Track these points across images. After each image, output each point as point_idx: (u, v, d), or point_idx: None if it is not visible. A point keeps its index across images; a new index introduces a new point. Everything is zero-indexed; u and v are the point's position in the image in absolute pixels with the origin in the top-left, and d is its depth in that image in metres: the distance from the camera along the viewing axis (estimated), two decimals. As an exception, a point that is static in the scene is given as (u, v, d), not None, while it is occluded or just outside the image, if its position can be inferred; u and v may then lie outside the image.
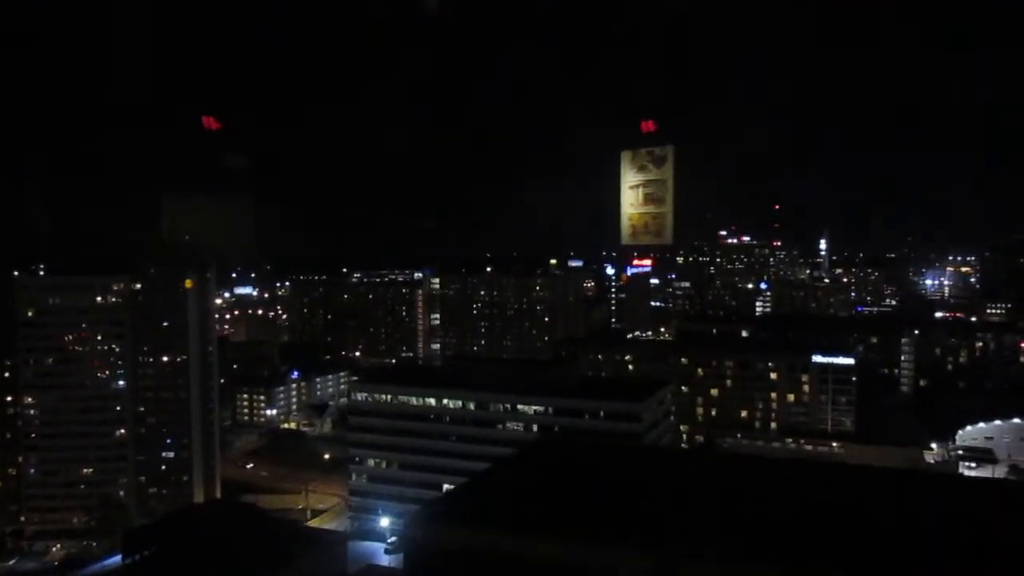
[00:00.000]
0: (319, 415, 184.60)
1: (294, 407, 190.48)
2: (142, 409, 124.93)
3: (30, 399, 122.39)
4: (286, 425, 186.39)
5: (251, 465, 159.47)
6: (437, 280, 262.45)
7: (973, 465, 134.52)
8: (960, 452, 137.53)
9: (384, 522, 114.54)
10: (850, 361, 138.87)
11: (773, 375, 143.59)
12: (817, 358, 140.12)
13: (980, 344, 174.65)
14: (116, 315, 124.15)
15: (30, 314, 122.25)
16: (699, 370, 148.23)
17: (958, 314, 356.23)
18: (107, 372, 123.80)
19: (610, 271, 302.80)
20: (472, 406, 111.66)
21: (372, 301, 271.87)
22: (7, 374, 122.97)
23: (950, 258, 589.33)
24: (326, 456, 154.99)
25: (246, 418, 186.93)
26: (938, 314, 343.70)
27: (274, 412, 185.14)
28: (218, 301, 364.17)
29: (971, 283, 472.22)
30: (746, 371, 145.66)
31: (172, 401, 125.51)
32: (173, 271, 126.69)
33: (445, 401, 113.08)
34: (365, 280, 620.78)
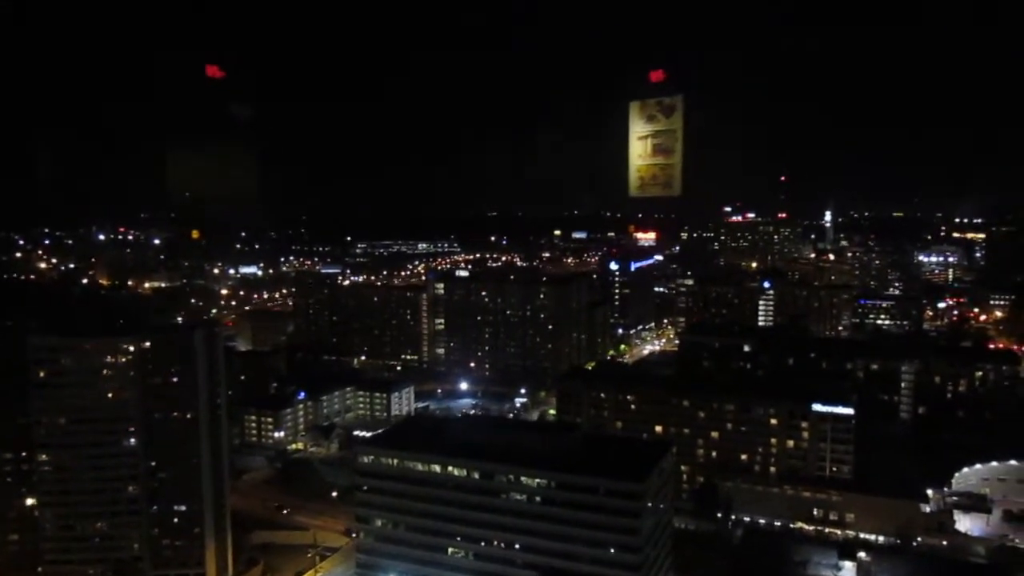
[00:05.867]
0: (326, 437, 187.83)
1: (301, 428, 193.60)
2: (154, 464, 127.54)
3: (45, 456, 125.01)
4: (294, 446, 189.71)
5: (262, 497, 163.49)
6: (441, 285, 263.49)
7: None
8: (955, 499, 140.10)
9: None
10: (849, 411, 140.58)
11: (773, 421, 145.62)
12: (817, 407, 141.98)
13: (980, 373, 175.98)
14: (127, 374, 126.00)
15: (42, 375, 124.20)
16: (700, 412, 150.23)
17: (961, 299, 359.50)
18: (119, 430, 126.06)
19: (614, 266, 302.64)
20: (476, 475, 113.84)
21: (377, 304, 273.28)
22: (21, 433, 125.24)
23: (956, 220, 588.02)
24: (334, 493, 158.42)
25: (254, 439, 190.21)
26: (940, 304, 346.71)
27: (282, 434, 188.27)
28: (224, 292, 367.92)
29: (976, 259, 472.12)
30: (746, 415, 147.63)
31: (183, 456, 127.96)
32: (181, 332, 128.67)
33: (450, 468, 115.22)
34: (369, 250, 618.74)
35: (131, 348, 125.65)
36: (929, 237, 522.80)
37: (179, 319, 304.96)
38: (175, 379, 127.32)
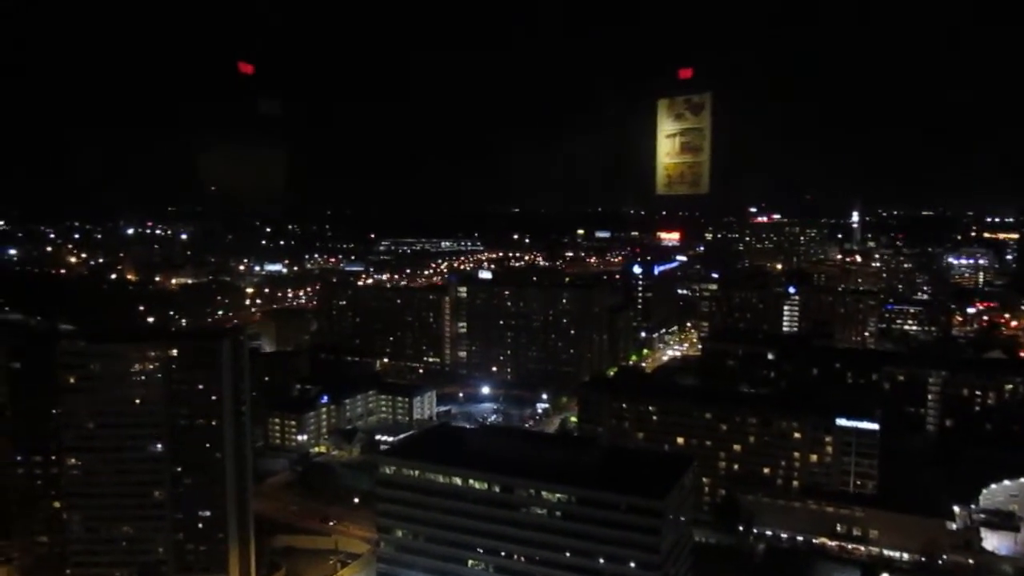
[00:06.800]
0: (348, 441, 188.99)
1: (324, 431, 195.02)
2: (179, 469, 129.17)
3: (73, 460, 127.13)
4: (316, 448, 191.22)
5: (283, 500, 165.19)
6: (464, 288, 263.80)
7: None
8: (983, 516, 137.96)
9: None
10: (874, 426, 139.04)
11: (797, 435, 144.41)
12: (841, 421, 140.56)
13: (1010, 386, 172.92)
14: (154, 380, 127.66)
15: (72, 380, 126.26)
16: (722, 425, 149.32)
17: (992, 304, 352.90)
18: (145, 435, 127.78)
19: (637, 269, 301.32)
20: (497, 488, 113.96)
21: (399, 305, 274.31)
22: (51, 436, 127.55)
23: (988, 220, 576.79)
24: (356, 499, 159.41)
25: (278, 441, 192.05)
26: (970, 310, 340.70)
27: (305, 437, 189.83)
28: (249, 289, 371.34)
29: (1008, 261, 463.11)
30: (769, 429, 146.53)
31: (207, 462, 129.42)
32: (208, 339, 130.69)
33: (470, 481, 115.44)
34: (393, 248, 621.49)
35: (159, 354, 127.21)
36: (959, 237, 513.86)
37: (206, 315, 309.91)
38: (201, 386, 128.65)
